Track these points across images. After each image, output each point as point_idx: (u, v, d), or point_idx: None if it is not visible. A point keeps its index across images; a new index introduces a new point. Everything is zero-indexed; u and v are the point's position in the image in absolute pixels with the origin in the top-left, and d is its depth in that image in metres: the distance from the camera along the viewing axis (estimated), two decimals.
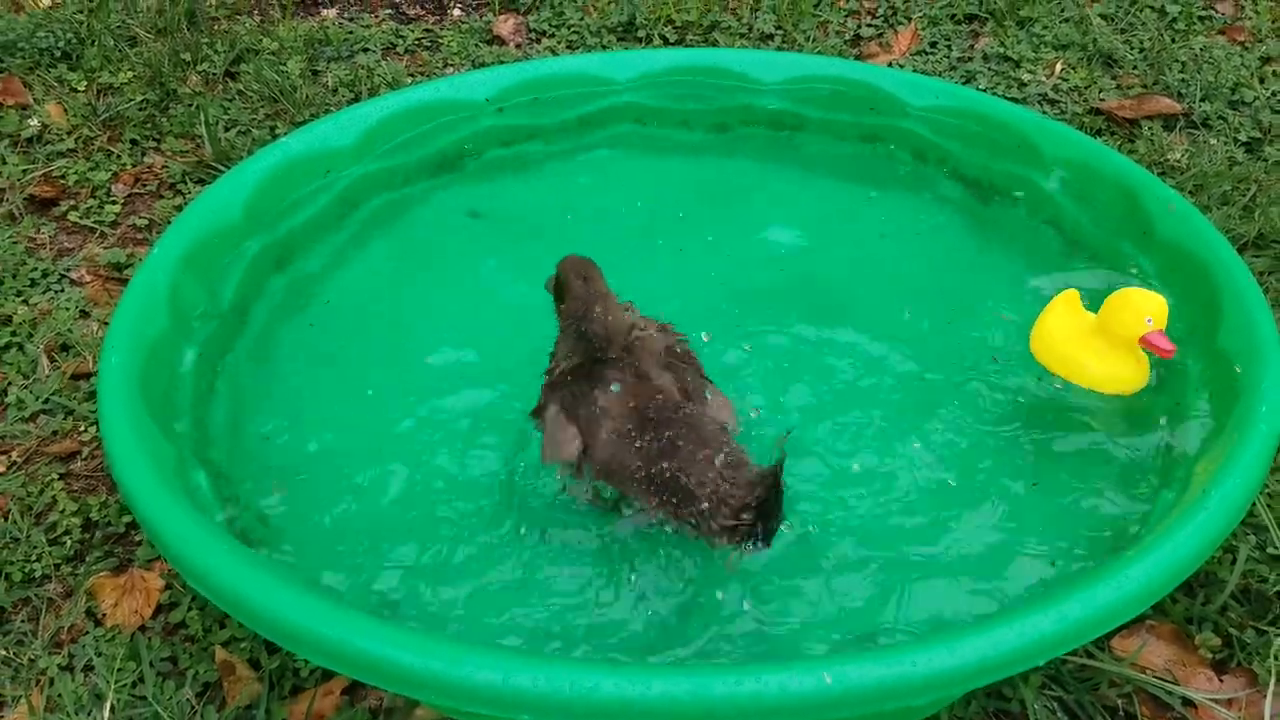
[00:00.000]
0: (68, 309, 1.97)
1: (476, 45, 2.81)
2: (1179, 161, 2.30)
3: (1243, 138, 2.42)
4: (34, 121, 2.44)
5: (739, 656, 1.29)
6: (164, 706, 1.35)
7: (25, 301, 2.00)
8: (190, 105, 2.52)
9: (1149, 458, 1.51)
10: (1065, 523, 1.44)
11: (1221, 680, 1.38)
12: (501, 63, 2.64)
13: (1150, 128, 2.44)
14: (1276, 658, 1.38)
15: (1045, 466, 1.52)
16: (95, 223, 2.22)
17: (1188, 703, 1.37)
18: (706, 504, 1.24)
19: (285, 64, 2.64)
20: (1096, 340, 1.62)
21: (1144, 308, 1.56)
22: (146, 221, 2.23)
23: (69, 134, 2.43)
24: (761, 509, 1.21)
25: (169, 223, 1.80)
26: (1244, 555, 1.47)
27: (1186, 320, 1.65)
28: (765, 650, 1.30)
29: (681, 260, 1.90)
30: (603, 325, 1.41)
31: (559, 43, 2.83)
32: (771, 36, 2.84)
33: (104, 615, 1.48)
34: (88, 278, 2.08)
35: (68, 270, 2.09)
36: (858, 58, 2.75)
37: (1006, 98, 2.48)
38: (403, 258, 1.93)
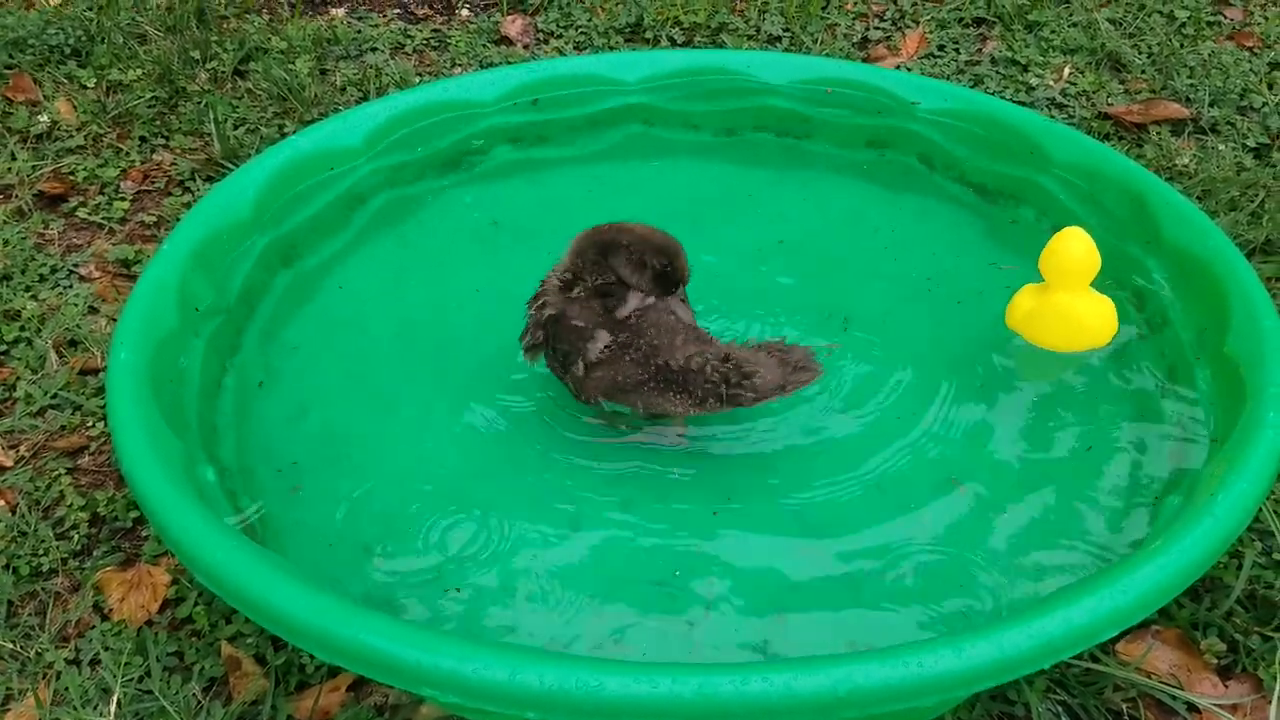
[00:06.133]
0: (76, 305, 1.98)
1: (484, 45, 2.82)
2: (1187, 167, 2.29)
3: (1251, 143, 2.42)
4: (43, 118, 2.45)
5: (746, 655, 1.29)
6: (170, 701, 1.36)
7: (34, 297, 2.01)
8: (199, 103, 2.52)
9: (1155, 464, 1.51)
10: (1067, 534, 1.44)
11: (1226, 686, 1.38)
12: (509, 63, 2.65)
13: (1158, 133, 2.44)
14: None
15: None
16: (104, 219, 2.22)
17: (1192, 708, 1.37)
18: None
19: (294, 63, 2.65)
20: (1070, 300, 1.67)
21: (1082, 247, 1.65)
22: (155, 218, 2.23)
23: (78, 130, 2.44)
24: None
25: (178, 220, 1.81)
26: (1250, 561, 1.47)
27: (1194, 326, 1.64)
28: (774, 649, 1.30)
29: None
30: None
31: (567, 43, 2.84)
32: (779, 39, 2.84)
33: (111, 610, 1.49)
34: (96, 274, 2.08)
35: (76, 266, 2.09)
36: (865, 60, 2.75)
37: (1014, 102, 2.48)
38: (410, 254, 1.94)
